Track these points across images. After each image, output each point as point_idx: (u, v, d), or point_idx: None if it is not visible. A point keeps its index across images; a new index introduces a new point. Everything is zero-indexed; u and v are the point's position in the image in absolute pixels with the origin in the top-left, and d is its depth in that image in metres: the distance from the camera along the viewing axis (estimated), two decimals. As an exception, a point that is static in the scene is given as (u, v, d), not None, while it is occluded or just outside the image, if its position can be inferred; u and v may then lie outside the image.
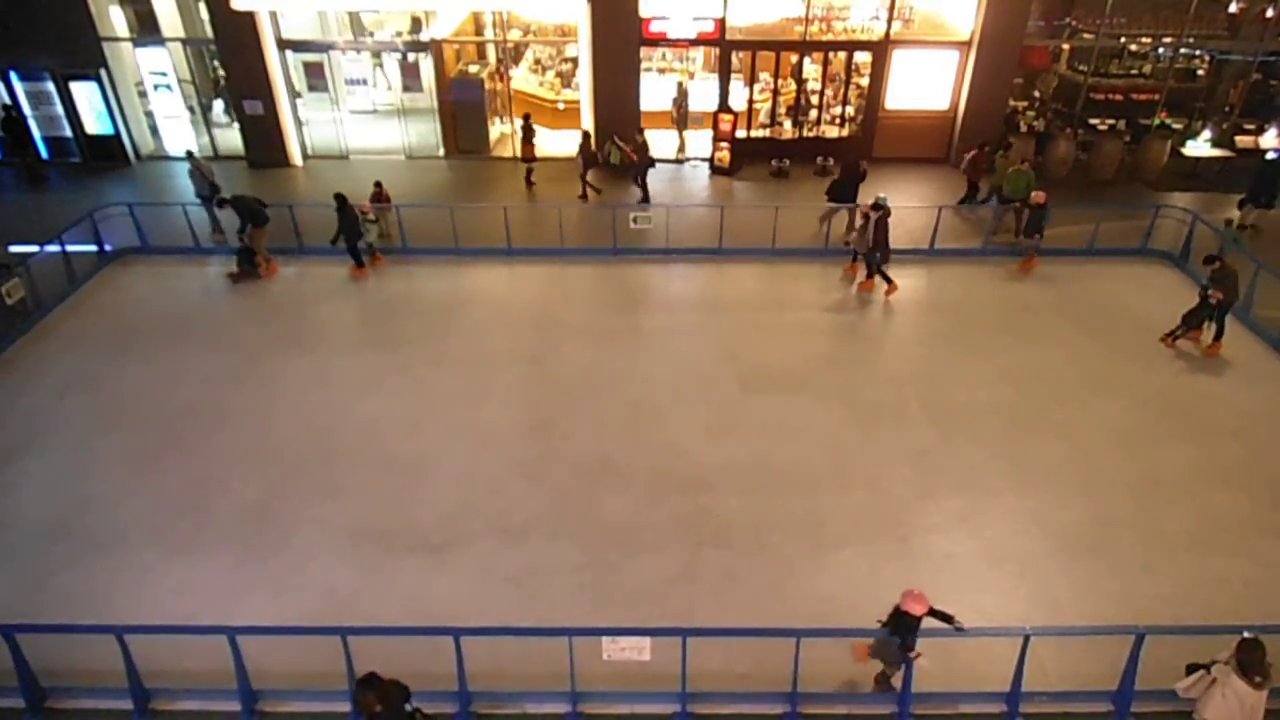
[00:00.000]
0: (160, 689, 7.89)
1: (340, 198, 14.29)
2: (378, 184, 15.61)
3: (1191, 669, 6.89)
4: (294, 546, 9.47)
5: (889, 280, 14.34)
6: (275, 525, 9.73)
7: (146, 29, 19.58)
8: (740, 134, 19.34)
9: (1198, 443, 11.01)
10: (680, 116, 19.69)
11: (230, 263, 14.93)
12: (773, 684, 7.79)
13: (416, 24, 20.36)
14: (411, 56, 19.83)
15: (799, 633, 7.51)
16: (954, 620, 7.43)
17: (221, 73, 19.98)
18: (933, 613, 7.33)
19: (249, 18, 17.76)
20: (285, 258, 15.49)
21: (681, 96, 19.49)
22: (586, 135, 18.01)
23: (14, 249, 14.86)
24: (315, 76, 20.02)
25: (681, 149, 19.86)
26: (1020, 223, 15.44)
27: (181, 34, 20.03)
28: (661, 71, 20.72)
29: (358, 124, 20.61)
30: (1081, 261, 15.39)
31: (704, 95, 19.80)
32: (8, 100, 18.52)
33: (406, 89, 20.30)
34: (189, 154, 16.51)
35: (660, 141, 19.76)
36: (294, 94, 19.50)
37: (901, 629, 7.29)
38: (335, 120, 20.02)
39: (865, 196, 15.01)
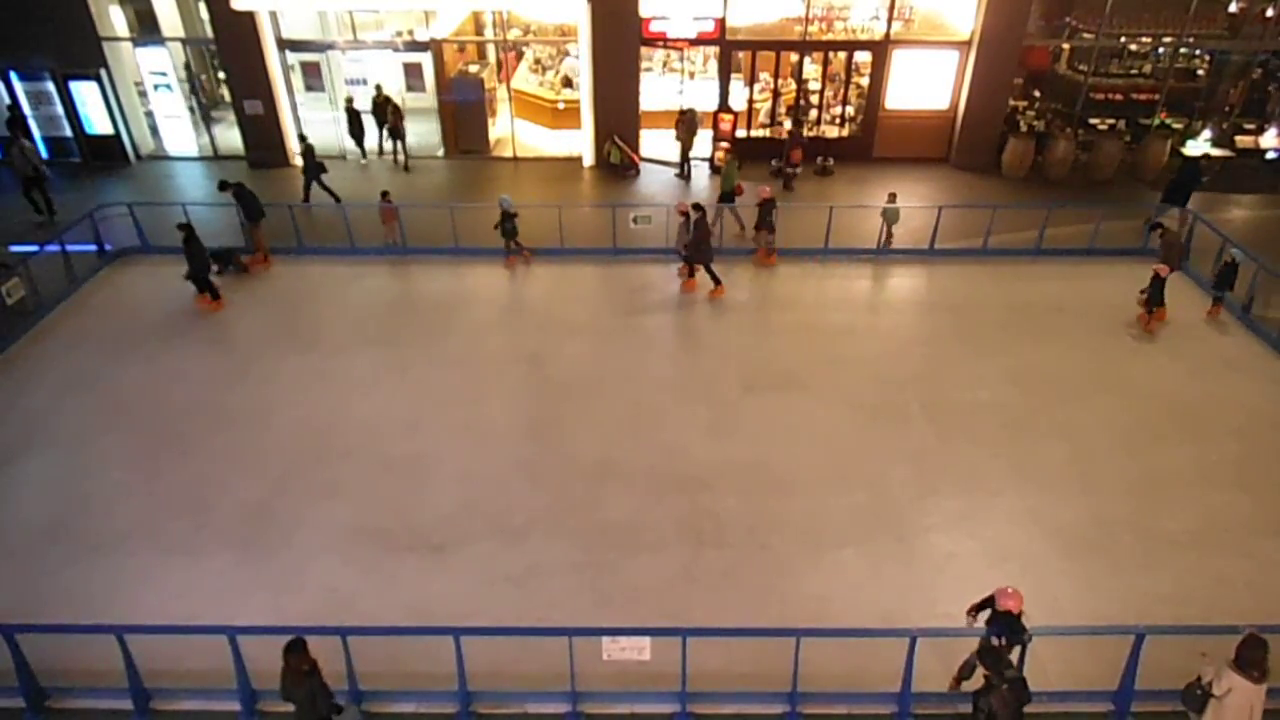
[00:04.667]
0: (160, 689, 7.90)
1: (188, 228, 13.49)
2: (384, 194, 15.57)
3: (1189, 697, 6.98)
4: (294, 546, 9.47)
5: (716, 280, 14.36)
6: (275, 525, 9.74)
7: (146, 29, 19.59)
8: (740, 134, 19.33)
9: (1198, 442, 11.02)
10: (687, 134, 18.89)
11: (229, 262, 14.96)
12: (773, 684, 7.79)
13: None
14: (412, 56, 19.84)
15: (799, 632, 7.52)
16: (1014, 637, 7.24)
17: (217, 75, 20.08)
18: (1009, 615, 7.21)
19: (249, 18, 17.76)
20: (285, 257, 15.50)
21: (689, 117, 18.70)
22: (307, 147, 17.29)
23: (14, 249, 14.87)
24: (312, 76, 20.05)
25: (684, 167, 19.07)
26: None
27: (181, 34, 20.04)
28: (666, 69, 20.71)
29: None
30: (1081, 261, 15.38)
31: (704, 95, 19.77)
32: (9, 101, 18.57)
33: (410, 89, 20.36)
34: (13, 137, 16.56)
35: (658, 143, 19.83)
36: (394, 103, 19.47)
37: (1007, 629, 7.21)
38: (334, 120, 20.01)
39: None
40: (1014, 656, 7.25)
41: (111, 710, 7.81)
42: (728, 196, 16.13)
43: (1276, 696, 7.31)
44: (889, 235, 15.56)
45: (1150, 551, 9.40)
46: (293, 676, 6.72)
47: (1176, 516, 9.86)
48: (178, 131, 19.76)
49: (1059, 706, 7.78)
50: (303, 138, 17.57)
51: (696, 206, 13.95)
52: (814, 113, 19.84)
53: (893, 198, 15.42)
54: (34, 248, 14.26)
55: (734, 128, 18.95)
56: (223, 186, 14.91)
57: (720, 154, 18.97)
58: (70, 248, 14.42)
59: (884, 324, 13.87)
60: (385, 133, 19.53)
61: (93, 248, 15.15)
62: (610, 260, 15.48)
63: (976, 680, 7.70)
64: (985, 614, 7.47)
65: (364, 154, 19.64)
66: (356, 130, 19.32)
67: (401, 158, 19.50)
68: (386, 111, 19.20)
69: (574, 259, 15.50)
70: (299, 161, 17.38)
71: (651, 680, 7.83)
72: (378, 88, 19.41)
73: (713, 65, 19.77)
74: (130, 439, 11.07)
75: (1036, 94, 20.58)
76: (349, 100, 19.27)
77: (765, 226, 14.95)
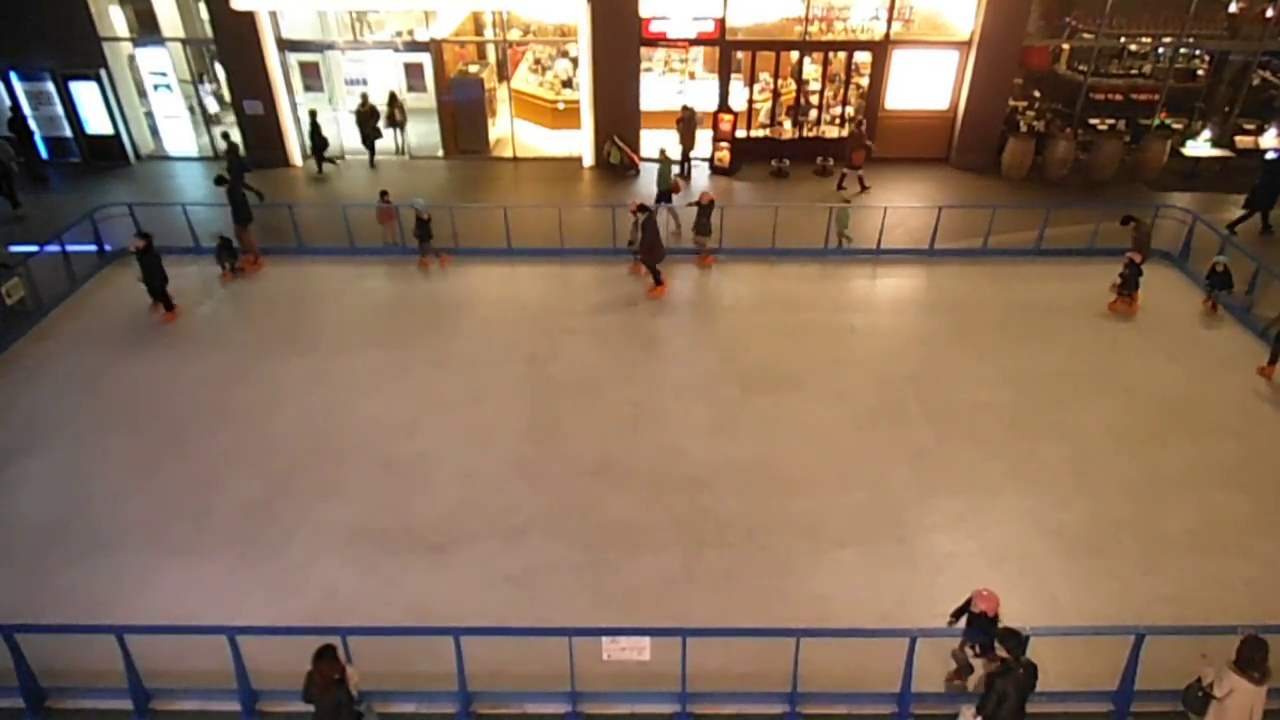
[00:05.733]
0: (160, 689, 7.90)
1: (148, 237, 13.16)
2: (383, 194, 15.58)
3: (1190, 698, 6.99)
4: (294, 546, 9.47)
5: (658, 280, 14.39)
6: (275, 525, 9.74)
7: (146, 29, 19.58)
8: (740, 134, 19.33)
9: (1198, 442, 11.02)
10: (687, 133, 18.85)
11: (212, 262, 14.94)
12: (772, 684, 7.80)
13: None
14: (412, 56, 19.81)
15: (798, 633, 7.52)
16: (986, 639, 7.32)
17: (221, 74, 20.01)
18: (983, 617, 7.28)
19: (249, 18, 17.76)
20: (285, 257, 15.51)
21: (689, 116, 18.71)
22: (231, 145, 17.44)
23: (14, 249, 14.87)
24: (311, 76, 20.00)
25: (684, 167, 19.05)
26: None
27: (181, 34, 20.03)
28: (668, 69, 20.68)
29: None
30: (1081, 261, 15.37)
31: (704, 95, 19.75)
32: (9, 102, 18.57)
33: (410, 89, 20.33)
34: None
35: (658, 143, 19.82)
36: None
37: (983, 631, 7.25)
38: (334, 120, 20.03)
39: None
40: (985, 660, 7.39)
41: (111, 710, 7.82)
42: (664, 196, 16.14)
43: (1277, 697, 7.32)
44: (844, 237, 15.56)
45: (1150, 552, 9.40)
46: (321, 684, 6.70)
47: (1176, 517, 9.86)
48: (178, 131, 19.75)
49: (1059, 706, 7.79)
50: (225, 135, 17.58)
51: (642, 208, 13.94)
52: (814, 113, 19.84)
53: (846, 201, 15.44)
54: (34, 248, 14.26)
55: (734, 128, 18.94)
56: (219, 181, 14.94)
57: (722, 154, 19.03)
58: (70, 248, 14.41)
59: (884, 324, 13.87)
60: (387, 126, 19.38)
61: (93, 248, 15.14)
62: (610, 260, 15.46)
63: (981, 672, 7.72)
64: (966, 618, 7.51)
65: (320, 167, 19.10)
66: (318, 142, 18.76)
67: (396, 156, 19.50)
68: (371, 120, 18.97)
69: (574, 259, 15.49)
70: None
71: (651, 680, 7.83)
72: (363, 97, 19.12)
73: (710, 65, 19.78)
74: (130, 439, 11.07)
75: (1036, 94, 20.58)
76: (312, 113, 18.78)
77: (703, 230, 14.92)
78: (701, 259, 15.34)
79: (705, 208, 14.75)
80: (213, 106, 20.50)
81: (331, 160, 18.23)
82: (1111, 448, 10.93)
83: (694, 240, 15.28)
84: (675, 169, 17.08)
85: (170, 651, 7.84)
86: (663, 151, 16.62)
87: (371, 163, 19.51)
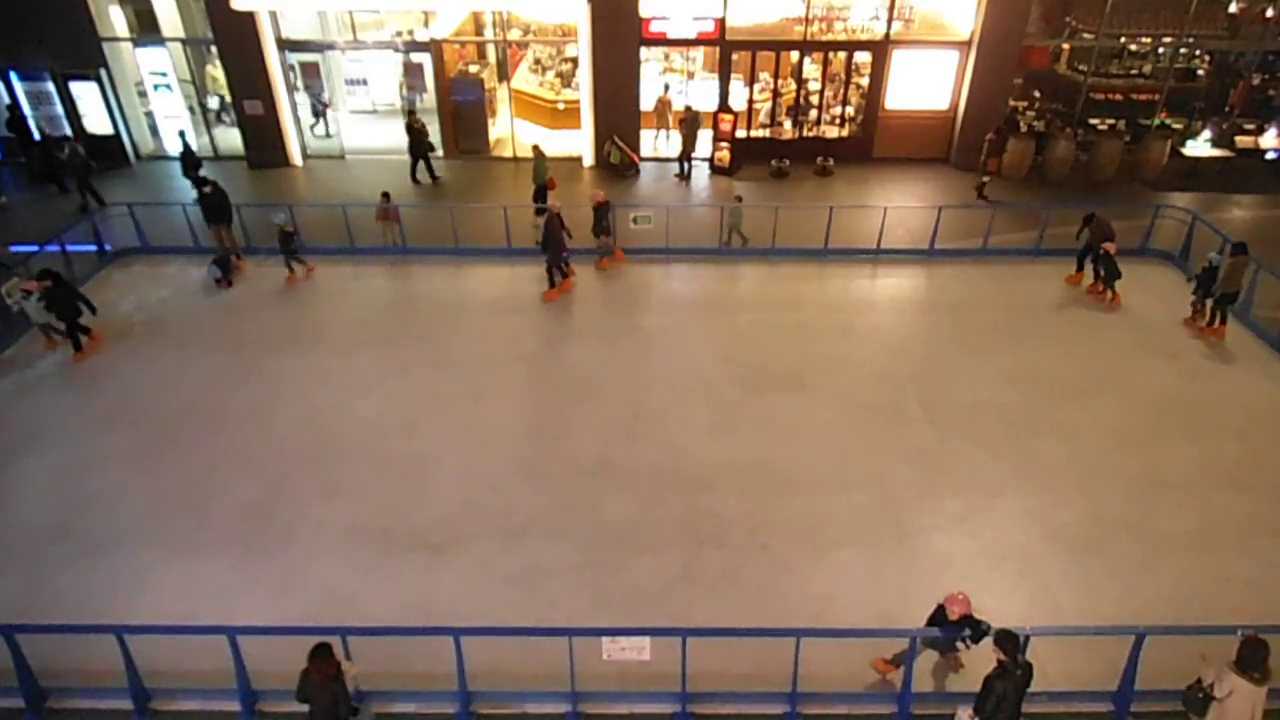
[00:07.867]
0: (160, 689, 7.90)
1: (55, 275, 12.48)
2: (385, 195, 15.55)
3: (1190, 699, 7.01)
4: (294, 546, 9.47)
5: (559, 278, 14.32)
6: (275, 525, 9.74)
7: (146, 29, 19.58)
8: (740, 134, 19.33)
9: (1199, 442, 11.02)
10: (690, 134, 18.76)
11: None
12: (773, 684, 7.80)
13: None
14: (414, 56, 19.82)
15: (799, 633, 7.52)
16: (976, 632, 7.38)
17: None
18: (967, 618, 7.33)
19: (249, 18, 17.77)
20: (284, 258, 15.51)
21: (692, 117, 18.64)
22: (73, 148, 16.72)
23: (14, 249, 14.86)
24: (310, 76, 19.99)
25: (684, 167, 19.04)
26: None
27: (181, 34, 20.04)
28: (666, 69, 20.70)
29: (357, 124, 20.60)
30: (1081, 261, 15.38)
31: (704, 95, 19.75)
32: (8, 100, 18.57)
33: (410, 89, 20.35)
34: None
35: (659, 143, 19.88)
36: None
37: (971, 628, 7.33)
38: (334, 120, 20.02)
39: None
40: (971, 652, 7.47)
41: (111, 710, 7.82)
42: (540, 192, 16.07)
43: (1277, 698, 7.32)
44: (738, 236, 15.49)
45: (1150, 551, 9.40)
46: (318, 681, 6.71)
47: (1176, 516, 9.86)
48: (178, 132, 19.72)
49: (1059, 706, 7.79)
50: (67, 139, 17.52)
51: (539, 211, 13.77)
52: (814, 113, 19.84)
53: (738, 199, 15.50)
54: (34, 248, 14.26)
55: (734, 128, 18.94)
56: (203, 182, 14.76)
57: (722, 154, 19.03)
58: (70, 248, 14.41)
59: (884, 324, 13.87)
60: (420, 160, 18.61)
61: (93, 248, 15.14)
62: (609, 260, 15.45)
63: (980, 663, 7.71)
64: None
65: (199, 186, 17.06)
66: (189, 162, 17.41)
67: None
68: (424, 137, 18.26)
69: (573, 259, 15.42)
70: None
71: (651, 680, 7.84)
72: (410, 114, 18.53)
73: (710, 65, 19.79)
74: (130, 439, 11.07)
75: (1036, 94, 20.58)
76: (181, 133, 18.08)
77: (602, 230, 14.78)
78: (601, 261, 15.19)
79: (599, 208, 14.58)
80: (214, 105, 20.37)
81: (206, 181, 15.55)
82: (1112, 448, 10.93)
83: (595, 242, 15.01)
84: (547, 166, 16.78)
85: (170, 651, 7.83)
86: (536, 148, 16.64)
87: (432, 176, 18.64)
